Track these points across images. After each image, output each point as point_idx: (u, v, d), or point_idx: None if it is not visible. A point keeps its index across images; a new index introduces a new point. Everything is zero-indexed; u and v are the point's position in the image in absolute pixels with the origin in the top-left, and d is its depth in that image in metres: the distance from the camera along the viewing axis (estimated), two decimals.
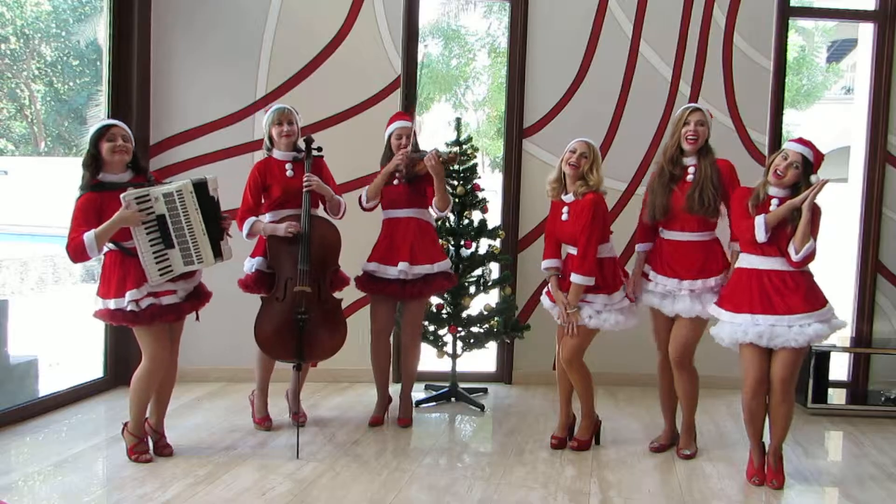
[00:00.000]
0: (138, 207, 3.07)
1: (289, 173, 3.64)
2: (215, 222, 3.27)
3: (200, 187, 3.21)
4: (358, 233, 3.90)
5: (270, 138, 3.69)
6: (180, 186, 3.15)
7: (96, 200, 3.12)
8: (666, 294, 3.48)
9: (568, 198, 3.51)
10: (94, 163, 3.15)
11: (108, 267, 3.20)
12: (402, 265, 3.73)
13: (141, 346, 3.25)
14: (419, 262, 3.77)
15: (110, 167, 3.18)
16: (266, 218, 3.65)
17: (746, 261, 3.22)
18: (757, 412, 3.24)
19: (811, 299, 3.13)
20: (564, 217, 3.49)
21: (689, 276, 3.41)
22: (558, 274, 3.57)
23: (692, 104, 3.53)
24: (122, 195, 3.05)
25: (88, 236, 3.01)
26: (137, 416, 3.33)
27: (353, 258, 3.85)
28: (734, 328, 3.18)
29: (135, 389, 3.29)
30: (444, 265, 3.87)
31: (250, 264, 3.69)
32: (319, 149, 3.69)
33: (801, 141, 3.19)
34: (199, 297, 3.37)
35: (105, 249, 3.19)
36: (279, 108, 3.68)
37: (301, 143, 3.67)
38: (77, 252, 3.03)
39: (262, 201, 3.68)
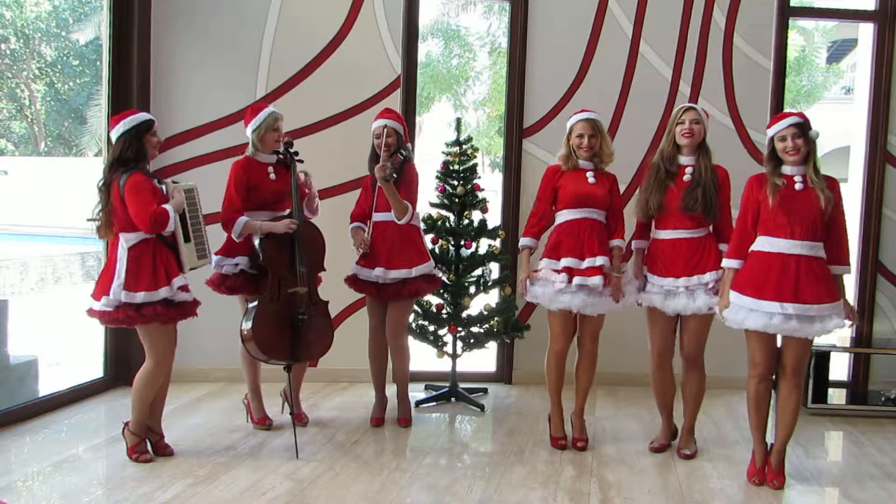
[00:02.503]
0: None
1: (272, 176, 3.64)
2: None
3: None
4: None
5: (261, 141, 3.63)
6: (191, 185, 3.32)
7: (150, 183, 3.20)
8: (666, 293, 3.47)
9: (587, 164, 3.59)
10: (138, 155, 3.20)
11: (136, 259, 3.14)
12: (378, 270, 3.74)
13: (148, 347, 3.25)
14: (395, 266, 3.75)
15: (146, 160, 3.28)
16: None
17: (770, 244, 3.13)
18: (763, 399, 3.24)
19: (833, 290, 3.11)
20: (592, 180, 3.55)
21: (684, 273, 3.41)
22: (531, 251, 3.65)
23: (687, 104, 3.55)
24: (173, 186, 3.22)
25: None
26: (140, 417, 3.33)
27: (342, 259, 3.88)
28: (762, 317, 3.08)
29: (138, 389, 3.29)
30: (425, 268, 3.83)
31: (232, 263, 3.61)
32: (297, 153, 3.69)
33: (779, 117, 3.20)
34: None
35: (129, 244, 3.16)
36: (274, 112, 3.65)
37: (281, 147, 3.69)
38: (160, 223, 3.09)
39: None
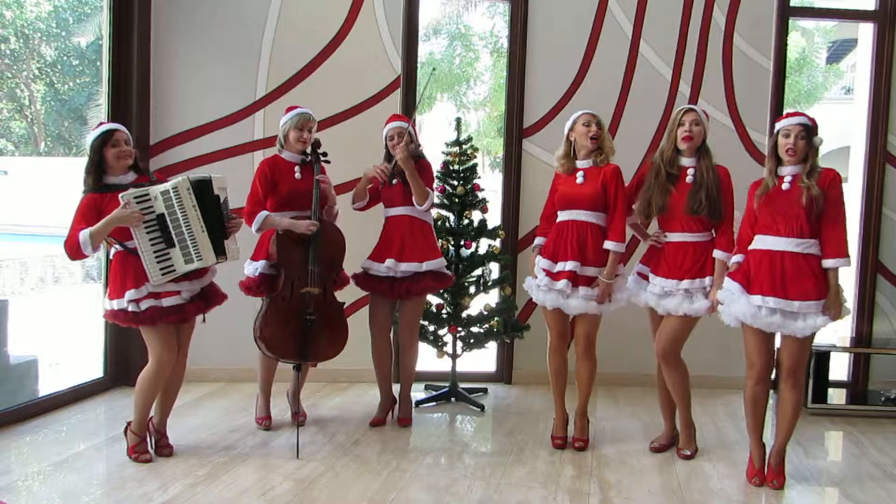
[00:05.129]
0: (139, 207, 3.10)
1: (297, 175, 3.65)
2: (218, 221, 3.25)
3: (201, 185, 3.21)
4: (359, 232, 3.90)
5: (285, 139, 3.68)
6: (176, 183, 3.16)
7: (97, 201, 3.16)
8: (662, 294, 3.48)
9: (583, 164, 3.56)
10: (96, 169, 3.19)
11: (114, 267, 3.24)
12: (389, 262, 3.74)
13: (147, 347, 3.26)
14: (407, 259, 3.76)
15: (113, 171, 3.22)
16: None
17: (761, 242, 3.18)
18: (760, 400, 3.24)
19: (822, 287, 3.08)
20: (580, 181, 3.53)
21: (687, 276, 3.41)
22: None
23: (686, 105, 3.54)
24: (120, 195, 3.09)
25: (83, 234, 3.05)
26: (141, 417, 3.34)
27: (354, 257, 3.86)
28: (747, 308, 3.11)
29: (140, 390, 3.30)
30: (436, 264, 3.82)
31: (253, 267, 3.67)
32: (325, 154, 3.71)
33: (789, 115, 3.21)
34: (206, 298, 3.35)
35: (112, 251, 3.24)
36: (304, 113, 3.66)
37: (307, 147, 3.69)
38: (73, 249, 3.07)
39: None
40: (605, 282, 3.48)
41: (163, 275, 3.13)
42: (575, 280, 3.47)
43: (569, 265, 3.47)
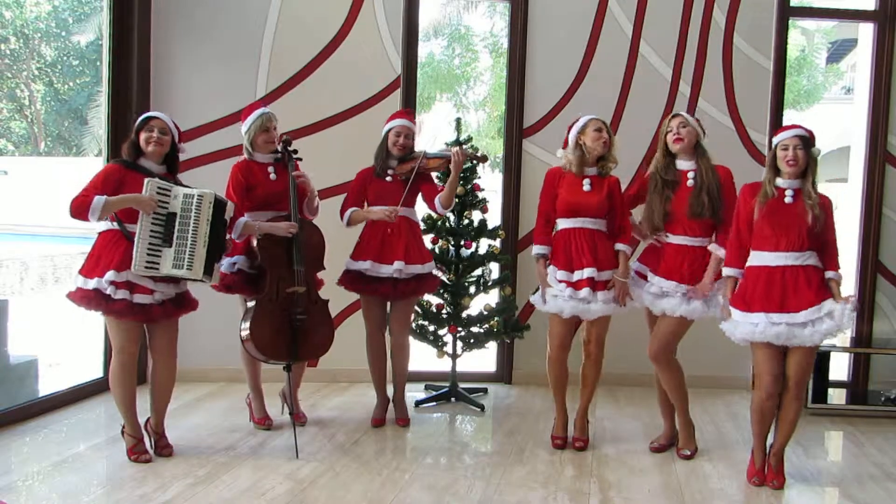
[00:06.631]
0: (157, 198, 3.15)
1: (272, 176, 3.65)
2: (219, 243, 3.31)
3: (220, 204, 3.29)
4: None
5: (253, 143, 3.65)
6: (203, 193, 3.22)
7: (121, 175, 3.21)
8: (660, 294, 3.48)
9: (590, 171, 3.56)
10: (133, 150, 3.28)
11: (101, 247, 3.21)
12: (398, 264, 3.73)
13: (110, 339, 3.26)
14: (413, 261, 3.77)
15: (147, 156, 3.29)
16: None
17: (758, 258, 3.17)
18: (769, 413, 3.23)
19: (821, 293, 3.09)
20: (587, 188, 3.51)
21: (687, 280, 3.42)
22: (547, 259, 3.59)
23: (672, 112, 3.58)
24: (146, 179, 3.15)
25: (99, 199, 3.06)
26: (127, 416, 3.33)
27: (343, 259, 3.86)
28: (749, 328, 3.12)
29: (112, 387, 3.31)
30: (432, 265, 3.92)
31: (230, 262, 3.63)
32: (296, 151, 3.70)
33: (787, 128, 3.22)
34: (180, 304, 3.34)
35: (102, 229, 3.23)
36: (264, 113, 3.65)
37: (278, 146, 3.69)
38: (80, 209, 3.06)
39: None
40: (621, 281, 3.49)
41: (146, 268, 3.11)
42: (593, 285, 3.48)
43: (587, 272, 3.46)
